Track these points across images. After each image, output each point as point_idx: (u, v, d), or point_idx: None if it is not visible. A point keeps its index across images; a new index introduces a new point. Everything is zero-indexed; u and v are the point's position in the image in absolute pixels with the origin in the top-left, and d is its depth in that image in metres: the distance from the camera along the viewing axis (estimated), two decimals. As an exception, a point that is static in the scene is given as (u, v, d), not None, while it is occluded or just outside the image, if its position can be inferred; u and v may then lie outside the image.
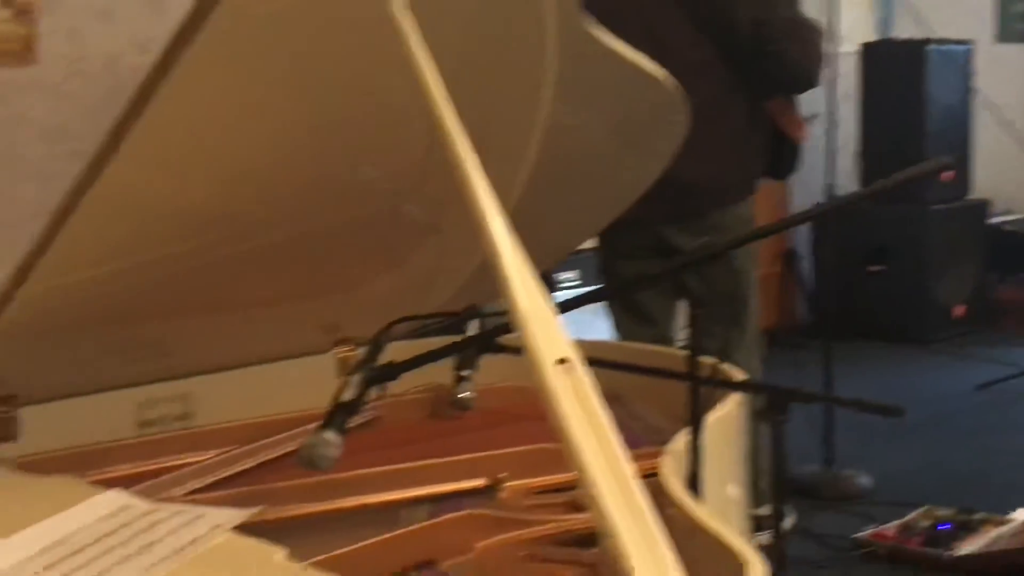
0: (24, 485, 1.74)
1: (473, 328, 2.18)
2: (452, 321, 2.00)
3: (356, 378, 1.63)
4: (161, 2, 3.42)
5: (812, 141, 3.59)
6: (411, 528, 1.59)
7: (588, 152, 2.21)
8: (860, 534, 3.55)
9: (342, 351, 2.33)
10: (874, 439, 4.28)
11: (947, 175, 5.65)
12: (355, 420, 1.67)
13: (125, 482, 1.73)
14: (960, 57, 6.33)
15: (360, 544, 1.50)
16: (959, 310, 6.31)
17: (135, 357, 2.11)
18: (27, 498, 1.65)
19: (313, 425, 1.90)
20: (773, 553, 1.61)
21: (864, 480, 4.01)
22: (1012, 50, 6.91)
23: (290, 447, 2.00)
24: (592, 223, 2.47)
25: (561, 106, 2.03)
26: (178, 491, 1.77)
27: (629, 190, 2.32)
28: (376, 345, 1.67)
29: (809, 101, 3.62)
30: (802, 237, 6.32)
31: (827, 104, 4.69)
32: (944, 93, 6.19)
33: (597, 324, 3.37)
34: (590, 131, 2.16)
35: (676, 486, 1.49)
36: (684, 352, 2.27)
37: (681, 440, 1.66)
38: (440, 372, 2.14)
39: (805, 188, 5.43)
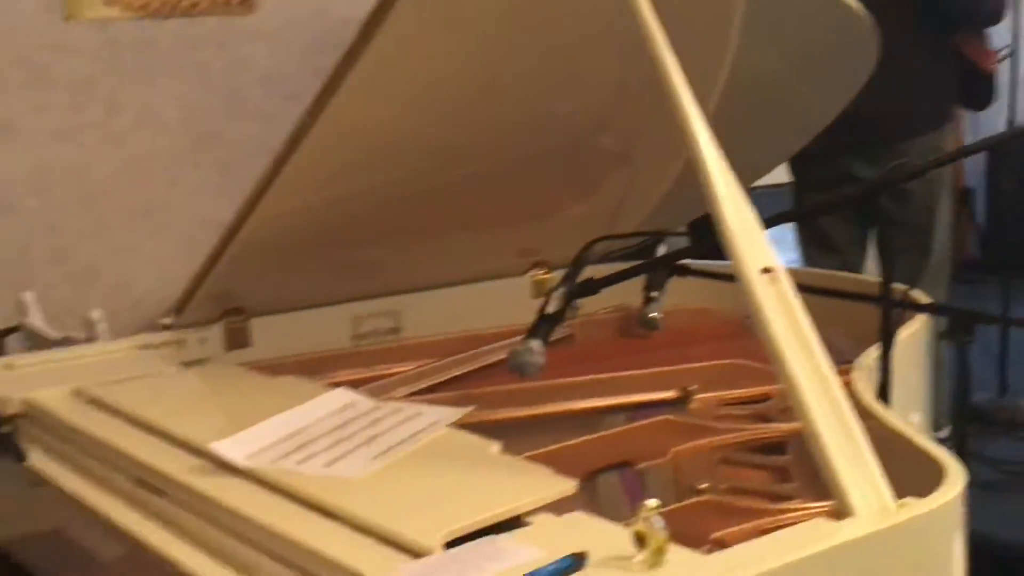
0: (260, 384, 1.82)
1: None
2: (649, 240, 1.99)
3: (559, 292, 1.64)
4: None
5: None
6: (610, 432, 1.61)
7: (774, 85, 2.15)
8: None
9: (537, 274, 2.36)
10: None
11: None
12: (552, 335, 1.69)
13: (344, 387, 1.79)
14: None
15: (563, 444, 1.52)
16: None
17: (351, 276, 2.17)
18: (264, 395, 1.72)
19: (515, 339, 1.94)
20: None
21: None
22: None
23: (492, 359, 2.03)
24: (777, 155, 2.42)
25: (749, 41, 1.98)
26: (394, 395, 1.82)
27: (815, 122, 2.26)
28: (578, 261, 1.68)
29: (994, 34, 3.45)
30: (977, 176, 6.05)
31: (1011, 37, 4.48)
32: None
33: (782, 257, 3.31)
34: (777, 65, 2.11)
35: (869, 397, 1.46)
36: (869, 278, 2.21)
37: (870, 356, 1.62)
38: (627, 295, 2.15)
39: (987, 122, 5.18)
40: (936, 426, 2.61)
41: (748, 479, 1.50)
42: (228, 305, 2.04)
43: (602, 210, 2.26)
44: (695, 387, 1.76)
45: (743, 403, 1.76)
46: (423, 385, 1.88)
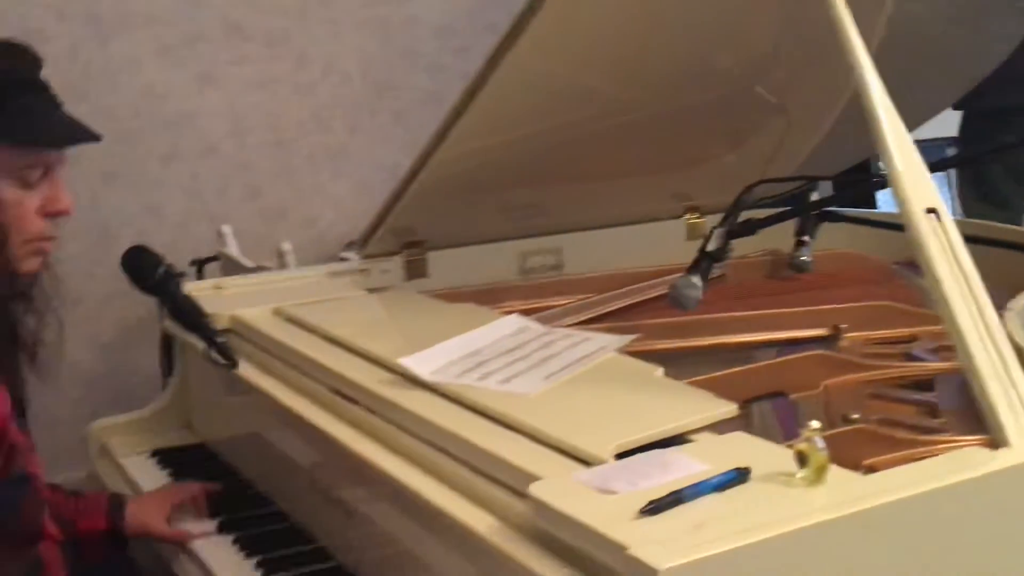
0: (440, 309, 1.87)
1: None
2: (804, 186, 1.96)
3: (720, 231, 1.63)
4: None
5: None
6: (765, 363, 1.59)
7: (931, 33, 2.07)
8: None
9: (691, 218, 2.34)
10: None
11: None
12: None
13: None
14: None
15: (721, 373, 1.51)
16: None
17: (519, 215, 2.20)
18: (443, 318, 1.76)
19: (668, 277, 1.94)
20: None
21: None
22: None
23: (648, 295, 2.03)
24: (933, 104, 2.33)
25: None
26: (559, 325, 1.84)
27: (972, 72, 2.17)
28: (739, 202, 1.66)
29: None
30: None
31: None
32: None
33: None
34: (934, 13, 2.03)
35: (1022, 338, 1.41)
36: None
37: (1021, 302, 1.57)
38: (777, 240, 2.12)
39: None
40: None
41: (897, 413, 1.47)
42: (408, 239, 2.09)
43: (755, 159, 2.22)
44: (845, 326, 1.72)
45: (891, 343, 1.72)
46: (585, 317, 1.89)
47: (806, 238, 2.02)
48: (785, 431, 1.42)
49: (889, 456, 1.27)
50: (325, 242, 3.41)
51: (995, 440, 1.12)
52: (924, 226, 1.14)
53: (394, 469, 1.31)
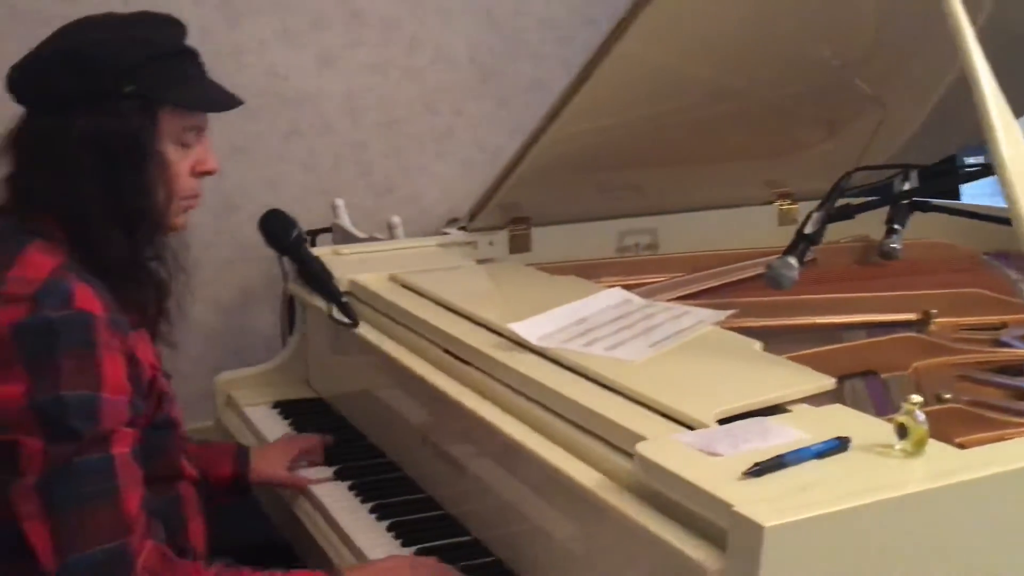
0: (544, 280, 1.88)
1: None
2: (899, 174, 1.91)
3: (817, 215, 1.61)
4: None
5: None
6: (858, 343, 1.57)
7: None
8: None
9: (783, 204, 2.31)
10: None
11: None
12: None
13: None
14: None
15: (815, 350, 1.50)
16: None
17: (618, 196, 2.19)
18: (548, 289, 1.77)
19: (762, 259, 1.92)
20: None
21: None
22: None
23: (740, 275, 2.01)
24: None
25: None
26: (657, 299, 1.84)
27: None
28: (837, 187, 1.63)
29: None
30: None
31: None
32: None
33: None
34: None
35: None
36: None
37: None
38: (866, 227, 2.08)
39: None
40: None
41: (986, 396, 1.44)
42: (514, 215, 2.10)
43: (850, 149, 2.19)
44: (935, 311, 1.69)
45: (980, 329, 1.68)
46: (680, 294, 1.88)
47: (897, 226, 1.98)
48: (877, 408, 1.40)
49: (981, 435, 1.25)
50: (428, 218, 3.45)
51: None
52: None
53: (505, 426, 1.32)
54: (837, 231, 1.98)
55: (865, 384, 1.49)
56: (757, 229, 2.24)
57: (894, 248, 1.99)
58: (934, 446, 1.05)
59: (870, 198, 1.87)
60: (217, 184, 3.31)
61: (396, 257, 2.02)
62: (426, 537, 1.46)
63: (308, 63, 3.31)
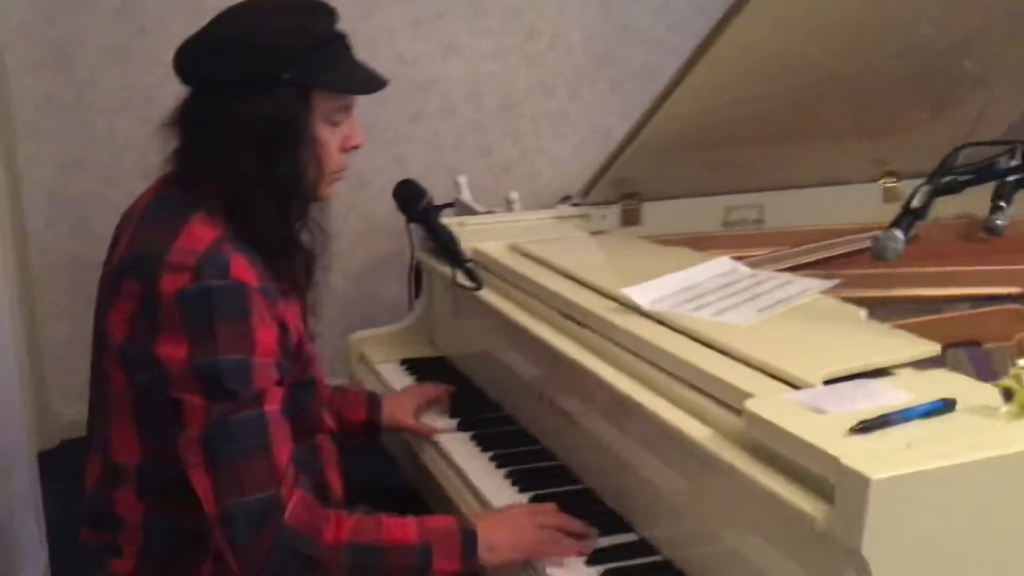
0: (655, 250, 1.87)
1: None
2: (1007, 151, 1.83)
3: (925, 189, 1.55)
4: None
5: None
6: (962, 313, 1.52)
7: None
8: None
9: (888, 182, 2.24)
10: None
11: None
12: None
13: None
14: None
15: (920, 319, 1.46)
16: None
17: (725, 173, 2.16)
18: (659, 258, 1.77)
19: (866, 234, 1.87)
20: None
21: None
22: None
23: (844, 249, 1.96)
24: None
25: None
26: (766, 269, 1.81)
27: None
28: (946, 162, 1.57)
29: None
30: None
31: None
32: None
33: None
34: None
35: None
36: None
37: None
38: (970, 205, 2.00)
39: None
40: None
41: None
42: (626, 190, 2.09)
43: (955, 129, 2.10)
44: (1039, 285, 1.62)
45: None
46: (785, 265, 1.85)
47: (1002, 203, 1.89)
48: (979, 377, 1.35)
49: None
50: (543, 196, 3.45)
51: None
52: None
53: (620, 384, 1.33)
54: (941, 208, 1.91)
55: (968, 354, 1.44)
56: (861, 206, 2.17)
57: (999, 225, 1.90)
58: (1040, 410, 1.01)
59: (976, 174, 1.80)
60: (349, 163, 3.39)
61: (515, 228, 2.03)
62: (542, 484, 1.48)
63: (434, 51, 3.34)
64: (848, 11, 1.74)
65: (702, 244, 2.00)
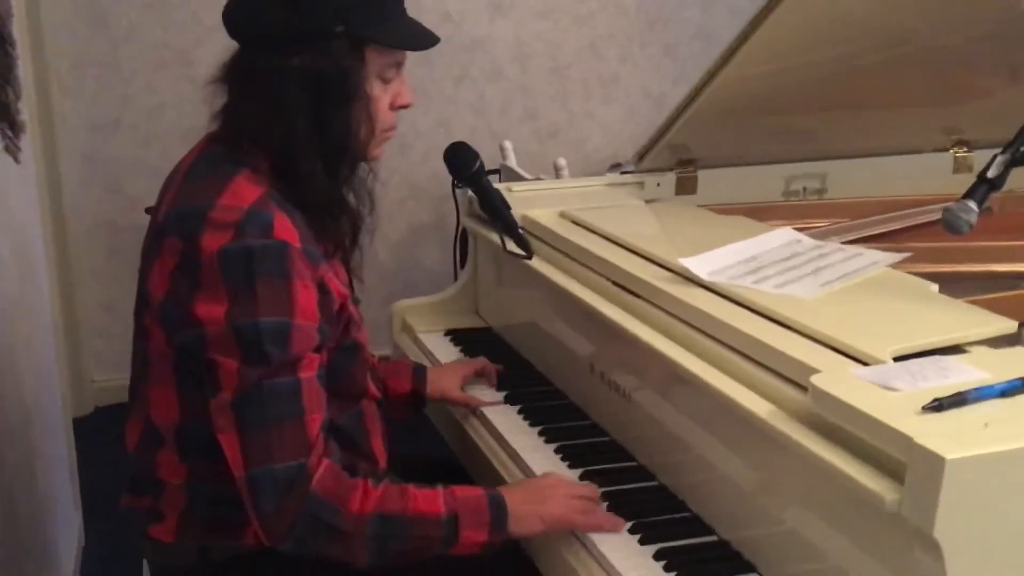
0: (713, 219, 1.86)
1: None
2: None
3: (1002, 158, 1.52)
4: None
5: None
6: (1040, 289, 1.50)
7: None
8: None
9: (959, 151, 2.20)
10: None
11: None
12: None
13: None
14: None
15: (991, 295, 1.43)
16: None
17: (787, 140, 2.13)
18: (717, 228, 1.75)
19: (935, 206, 1.84)
20: None
21: None
22: None
23: (914, 221, 1.94)
24: None
25: None
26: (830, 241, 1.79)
27: None
28: (1023, 131, 1.54)
29: None
30: None
31: None
32: None
33: None
34: None
35: None
36: None
37: None
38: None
39: None
40: None
41: None
42: (682, 156, 2.08)
43: (1032, 96, 2.06)
44: (1121, 262, 1.59)
45: None
46: (850, 237, 1.83)
47: (1083, 175, 1.86)
48: (1056, 355, 1.34)
49: None
50: (591, 162, 3.45)
51: None
52: None
53: (678, 357, 1.32)
54: (1013, 181, 1.88)
55: (1046, 332, 1.42)
56: (931, 176, 2.14)
57: (1080, 198, 1.87)
58: None
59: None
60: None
61: (565, 195, 2.03)
62: (592, 460, 1.48)
63: (480, 10, 3.33)
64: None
65: (761, 214, 1.98)
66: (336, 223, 1.35)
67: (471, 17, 3.32)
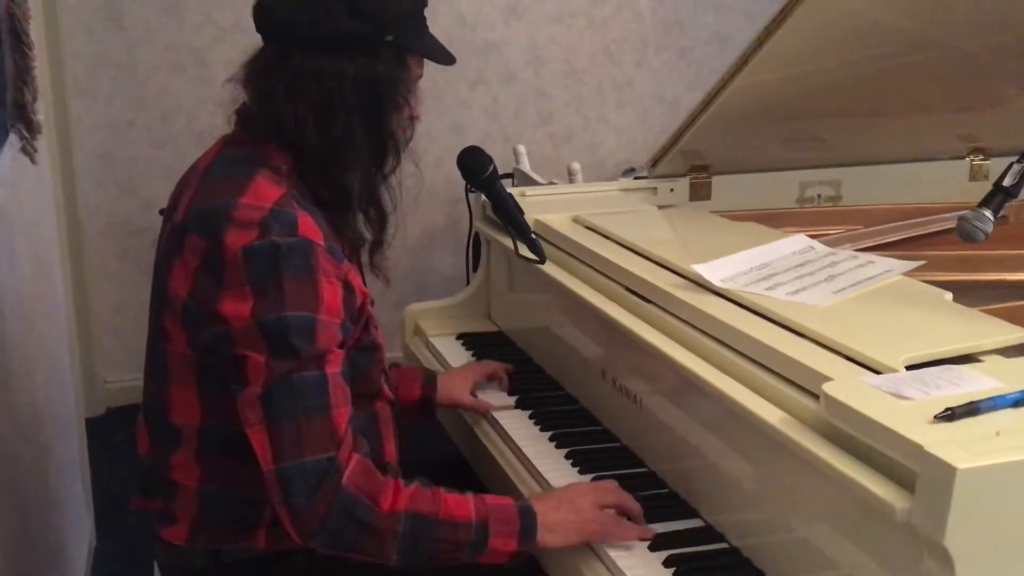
0: (726, 226, 1.86)
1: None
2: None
3: (1018, 167, 1.52)
4: None
5: None
6: (1054, 299, 1.49)
7: None
8: None
9: (975, 159, 2.20)
10: None
11: None
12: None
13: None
14: None
15: (1006, 304, 1.43)
16: None
17: (800, 147, 2.14)
18: (730, 234, 1.76)
19: (950, 214, 1.84)
20: None
21: None
22: None
23: (926, 229, 1.94)
24: None
25: None
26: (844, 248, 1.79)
27: None
28: (1041, 140, 1.54)
29: None
30: None
31: None
32: None
33: None
34: None
35: None
36: None
37: None
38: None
39: None
40: None
41: None
42: (696, 162, 2.08)
43: (1051, 103, 2.06)
44: None
45: None
46: (864, 245, 1.83)
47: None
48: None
49: None
50: (605, 167, 3.45)
51: None
52: None
53: (690, 364, 1.33)
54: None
55: (1060, 342, 1.42)
56: (946, 184, 2.14)
57: (1097, 207, 1.87)
58: None
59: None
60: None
61: (579, 200, 2.03)
62: (603, 466, 1.49)
63: (495, 13, 3.34)
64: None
65: (774, 221, 1.98)
66: (355, 222, 1.37)
67: (486, 21, 3.34)
